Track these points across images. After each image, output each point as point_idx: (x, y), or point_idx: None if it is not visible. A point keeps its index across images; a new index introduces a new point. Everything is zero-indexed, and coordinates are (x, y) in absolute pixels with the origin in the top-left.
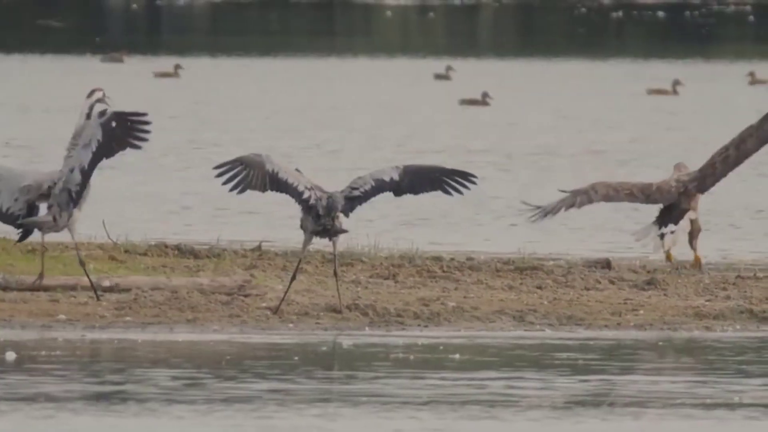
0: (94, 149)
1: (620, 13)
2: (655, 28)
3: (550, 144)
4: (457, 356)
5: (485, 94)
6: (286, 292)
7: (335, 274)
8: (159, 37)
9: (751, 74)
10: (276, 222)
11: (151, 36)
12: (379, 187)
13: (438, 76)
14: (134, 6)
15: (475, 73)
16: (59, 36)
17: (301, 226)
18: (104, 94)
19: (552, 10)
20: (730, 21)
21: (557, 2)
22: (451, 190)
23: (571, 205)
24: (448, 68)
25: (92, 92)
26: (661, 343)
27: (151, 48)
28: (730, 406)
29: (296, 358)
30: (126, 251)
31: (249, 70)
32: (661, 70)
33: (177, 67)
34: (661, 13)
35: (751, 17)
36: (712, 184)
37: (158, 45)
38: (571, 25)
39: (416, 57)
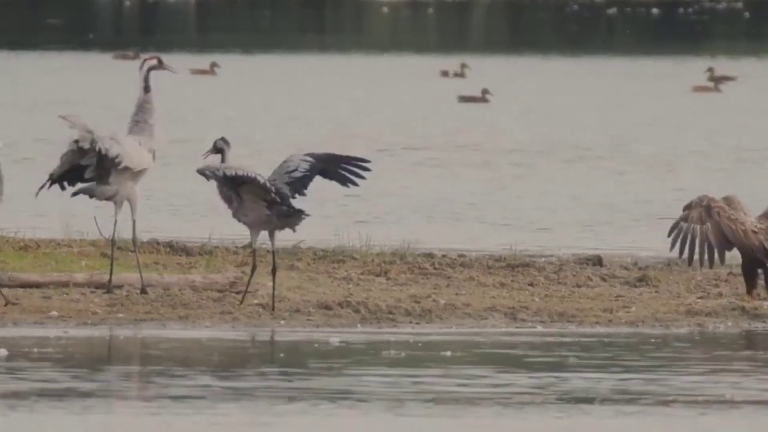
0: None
1: (614, 10)
2: (649, 24)
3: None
4: (448, 353)
5: (485, 91)
6: (248, 284)
7: (273, 270)
8: (152, 34)
9: (710, 70)
10: None
11: (144, 34)
12: (312, 166)
13: (445, 74)
14: (127, 3)
15: (482, 70)
16: (57, 33)
17: (251, 219)
18: (159, 61)
19: (544, 7)
20: (722, 18)
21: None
22: (347, 183)
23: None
24: (463, 66)
25: (144, 62)
26: (652, 340)
27: (153, 45)
28: (723, 402)
29: (282, 354)
30: (118, 248)
31: (264, 68)
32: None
33: (213, 65)
34: (655, 11)
35: (747, 14)
36: None
37: (149, 42)
38: (562, 23)
39: (425, 54)
